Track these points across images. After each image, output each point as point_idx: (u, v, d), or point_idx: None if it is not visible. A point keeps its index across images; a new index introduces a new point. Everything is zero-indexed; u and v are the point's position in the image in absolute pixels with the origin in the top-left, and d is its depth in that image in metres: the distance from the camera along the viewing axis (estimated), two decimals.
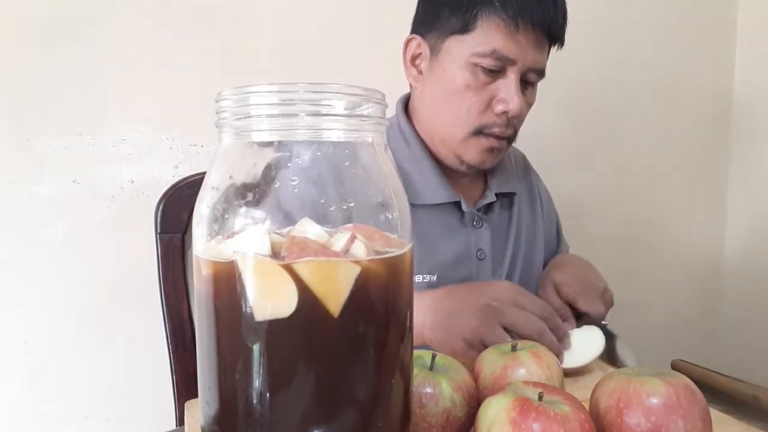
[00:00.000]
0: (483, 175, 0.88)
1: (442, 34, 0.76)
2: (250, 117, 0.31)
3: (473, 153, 0.78)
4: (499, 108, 0.74)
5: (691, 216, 1.52)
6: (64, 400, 0.95)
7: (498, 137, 0.76)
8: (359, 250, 0.30)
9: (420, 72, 0.81)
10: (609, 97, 1.36)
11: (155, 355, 0.94)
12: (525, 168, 0.97)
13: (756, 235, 1.48)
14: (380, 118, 0.33)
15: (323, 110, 0.30)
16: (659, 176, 1.46)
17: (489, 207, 0.85)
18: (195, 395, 0.36)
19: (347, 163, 0.32)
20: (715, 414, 0.47)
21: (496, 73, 0.74)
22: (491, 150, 0.78)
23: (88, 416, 0.96)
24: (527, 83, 0.77)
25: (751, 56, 1.47)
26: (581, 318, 0.72)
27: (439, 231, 0.80)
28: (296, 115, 0.30)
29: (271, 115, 0.30)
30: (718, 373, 0.64)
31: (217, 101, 0.32)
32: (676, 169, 1.48)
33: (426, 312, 0.67)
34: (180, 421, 0.89)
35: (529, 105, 0.79)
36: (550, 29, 0.73)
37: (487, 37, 0.72)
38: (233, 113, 0.31)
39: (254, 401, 0.29)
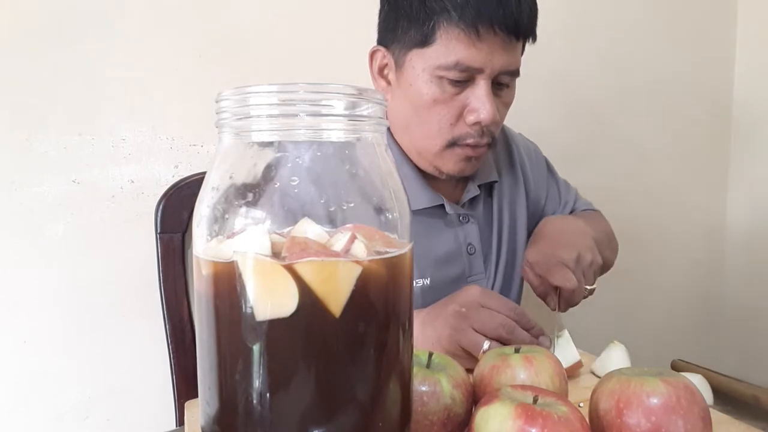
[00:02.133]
0: None
1: (404, 46, 0.73)
2: (250, 117, 0.31)
3: (450, 164, 0.76)
4: (470, 118, 0.71)
5: (691, 216, 1.52)
6: (64, 400, 0.95)
7: (474, 147, 0.74)
8: (360, 250, 0.30)
9: (389, 83, 0.78)
10: (609, 97, 1.36)
11: (155, 355, 0.94)
12: (505, 143, 0.92)
13: (756, 235, 1.48)
14: (380, 118, 0.33)
15: (323, 110, 0.30)
16: (659, 176, 1.46)
17: (473, 201, 0.84)
18: (195, 395, 0.36)
19: (347, 163, 0.32)
20: (715, 414, 0.47)
21: (463, 83, 0.70)
22: (468, 159, 0.75)
23: (88, 416, 0.96)
24: (501, 85, 0.73)
25: (751, 56, 1.47)
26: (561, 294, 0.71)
27: (426, 234, 0.80)
28: (296, 115, 0.30)
29: (271, 115, 0.30)
30: (718, 373, 0.64)
31: (217, 101, 0.32)
32: (676, 169, 1.48)
33: None
34: (180, 421, 0.89)
35: (506, 105, 0.77)
36: (516, 28, 0.69)
37: (448, 48, 0.69)
38: (233, 113, 0.31)
39: (254, 401, 0.29)
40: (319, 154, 0.31)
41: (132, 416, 0.99)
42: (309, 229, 0.31)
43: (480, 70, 0.69)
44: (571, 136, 1.31)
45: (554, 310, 0.71)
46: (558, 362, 0.48)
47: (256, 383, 0.29)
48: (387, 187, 0.33)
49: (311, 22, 1.06)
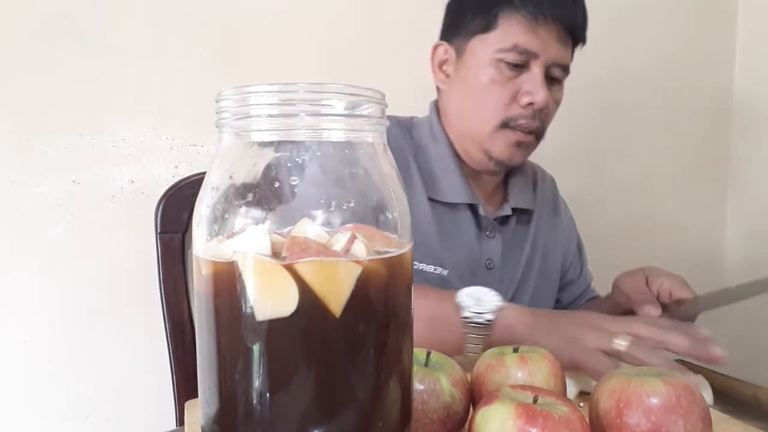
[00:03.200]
0: (503, 188, 0.90)
1: (466, 35, 0.79)
2: (250, 117, 0.31)
3: (501, 147, 0.79)
4: (524, 100, 0.76)
5: (691, 216, 1.52)
6: (64, 400, 0.95)
7: (525, 131, 0.78)
8: (360, 250, 0.30)
9: (447, 76, 0.83)
10: (608, 97, 1.36)
11: (155, 355, 0.94)
12: (553, 191, 0.99)
13: (756, 235, 1.48)
14: (380, 118, 0.33)
15: (323, 110, 0.30)
16: (659, 176, 1.46)
17: (504, 219, 0.87)
18: (195, 395, 0.36)
19: (347, 163, 0.32)
20: (715, 414, 0.47)
21: (520, 68, 0.76)
22: (519, 144, 0.79)
23: (88, 416, 0.96)
24: (552, 79, 0.79)
25: (751, 56, 1.47)
26: (670, 310, 0.68)
27: (453, 230, 0.82)
28: (296, 115, 0.30)
29: (271, 115, 0.30)
30: (718, 373, 0.64)
31: (217, 101, 0.32)
32: (676, 169, 1.48)
33: (523, 312, 0.63)
34: (180, 421, 0.89)
35: (556, 102, 0.81)
36: (571, 25, 0.76)
37: (509, 33, 0.75)
38: (233, 113, 0.31)
39: (254, 401, 0.29)
40: (319, 154, 0.31)
41: (132, 416, 0.99)
42: (309, 229, 0.31)
43: (536, 55, 0.75)
44: (571, 135, 1.31)
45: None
46: (555, 362, 0.47)
47: (256, 383, 0.29)
48: (387, 187, 0.33)
49: (311, 22, 1.06)
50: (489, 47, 0.77)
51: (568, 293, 0.99)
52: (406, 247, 0.33)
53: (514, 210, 0.87)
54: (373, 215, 0.32)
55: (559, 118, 1.32)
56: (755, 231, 1.48)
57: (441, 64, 0.84)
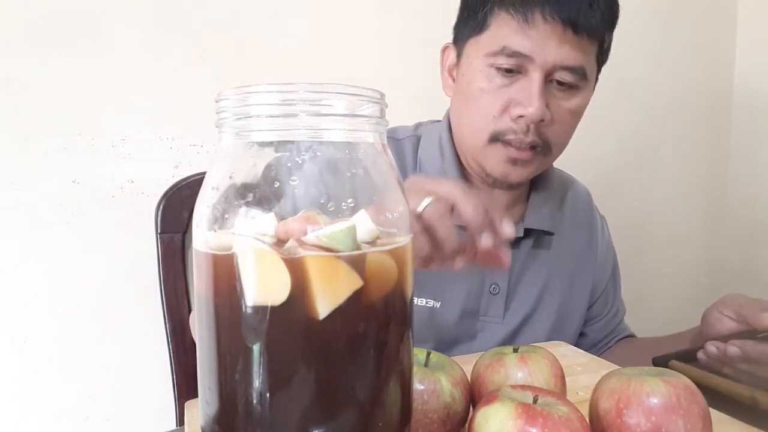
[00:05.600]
0: (523, 205, 0.80)
1: (464, 37, 0.71)
2: (250, 117, 0.31)
3: (494, 163, 0.70)
4: (514, 111, 0.66)
5: (690, 216, 1.52)
6: (64, 400, 0.95)
7: (519, 147, 0.68)
8: (366, 221, 0.31)
9: (454, 80, 0.75)
10: (609, 97, 1.36)
11: (155, 355, 0.94)
12: (587, 210, 0.88)
13: (755, 235, 1.48)
14: (380, 118, 0.33)
15: (323, 110, 0.30)
16: (659, 176, 1.46)
17: (517, 241, 0.78)
18: (195, 395, 0.36)
19: (347, 163, 0.32)
20: (716, 414, 0.47)
21: (515, 74, 0.66)
22: (513, 161, 0.69)
23: (88, 416, 0.96)
24: (562, 85, 0.67)
25: (751, 56, 1.47)
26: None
27: None
28: (296, 115, 0.30)
29: (271, 115, 0.30)
30: (716, 374, 0.63)
31: (217, 101, 0.32)
32: (676, 168, 1.48)
33: None
34: (180, 421, 0.89)
35: (572, 112, 0.70)
36: (573, 20, 0.63)
37: (498, 34, 0.66)
38: (233, 113, 0.31)
39: (254, 401, 0.29)
40: (319, 154, 0.31)
41: (132, 416, 0.99)
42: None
43: (530, 59, 0.65)
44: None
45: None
46: (556, 362, 0.47)
47: (256, 383, 0.29)
48: (387, 187, 0.33)
49: (311, 22, 1.06)
50: (480, 51, 0.68)
51: (593, 328, 0.89)
52: (407, 238, 0.33)
53: (530, 231, 0.78)
54: (372, 215, 0.32)
55: None
56: (755, 231, 1.48)
57: (450, 69, 0.75)
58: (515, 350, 0.48)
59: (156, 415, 0.98)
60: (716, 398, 0.56)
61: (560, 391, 0.46)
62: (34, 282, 0.92)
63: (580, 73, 0.67)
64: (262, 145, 0.31)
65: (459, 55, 0.73)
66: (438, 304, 0.74)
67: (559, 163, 1.02)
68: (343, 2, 1.08)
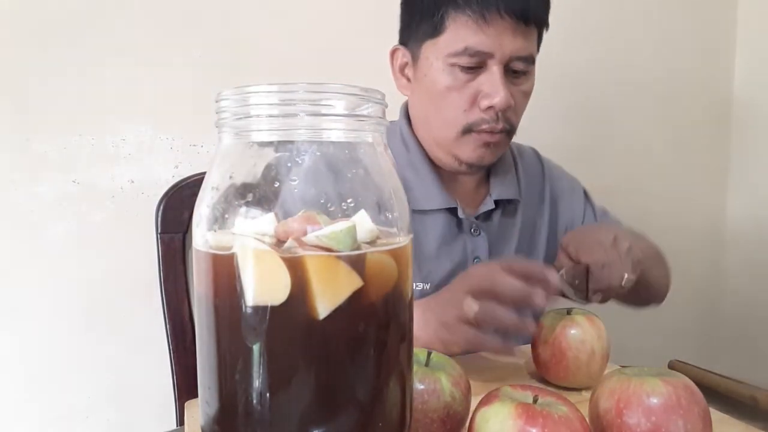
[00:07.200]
0: (486, 181, 0.86)
1: (418, 40, 0.76)
2: (250, 117, 0.31)
3: (468, 151, 0.76)
4: (484, 103, 0.72)
5: (691, 216, 1.52)
6: (64, 400, 0.95)
7: (490, 132, 0.74)
8: (365, 220, 0.31)
9: (408, 80, 0.80)
10: (609, 97, 1.36)
11: (155, 355, 0.94)
12: (537, 170, 0.93)
13: (756, 235, 1.48)
14: (380, 118, 0.33)
15: (323, 110, 0.30)
16: (659, 176, 1.46)
17: (488, 214, 0.84)
18: (195, 395, 0.36)
19: (347, 163, 0.32)
20: (715, 414, 0.47)
21: (476, 70, 0.72)
22: (487, 145, 0.75)
23: (88, 416, 0.96)
24: (516, 72, 0.74)
25: (751, 56, 1.47)
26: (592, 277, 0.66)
27: (435, 238, 0.79)
28: (296, 115, 0.30)
29: (271, 115, 0.30)
30: (716, 374, 0.63)
31: (217, 101, 0.32)
32: (676, 168, 1.48)
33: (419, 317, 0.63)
34: (180, 421, 0.89)
35: (525, 94, 0.77)
36: (524, 13, 0.70)
37: (458, 36, 0.71)
38: (233, 113, 0.31)
39: (254, 401, 0.29)
40: (319, 154, 0.31)
41: (132, 416, 0.99)
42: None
43: (490, 55, 0.71)
44: (571, 135, 1.31)
45: (582, 300, 0.66)
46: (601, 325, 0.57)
47: (256, 383, 0.29)
48: (387, 187, 0.33)
49: (311, 22, 1.06)
50: (440, 52, 0.73)
51: None
52: (407, 239, 0.33)
53: (498, 202, 0.83)
54: (372, 215, 0.32)
55: (559, 118, 1.32)
56: (755, 231, 1.48)
57: (402, 68, 0.81)
58: (568, 312, 0.57)
59: (156, 415, 0.98)
60: (716, 398, 0.56)
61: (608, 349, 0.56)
62: (34, 282, 0.92)
63: (530, 60, 0.75)
64: (262, 145, 0.31)
65: (415, 57, 0.77)
66: (428, 286, 0.78)
67: (557, 163, 1.03)
68: (344, 2, 1.08)
